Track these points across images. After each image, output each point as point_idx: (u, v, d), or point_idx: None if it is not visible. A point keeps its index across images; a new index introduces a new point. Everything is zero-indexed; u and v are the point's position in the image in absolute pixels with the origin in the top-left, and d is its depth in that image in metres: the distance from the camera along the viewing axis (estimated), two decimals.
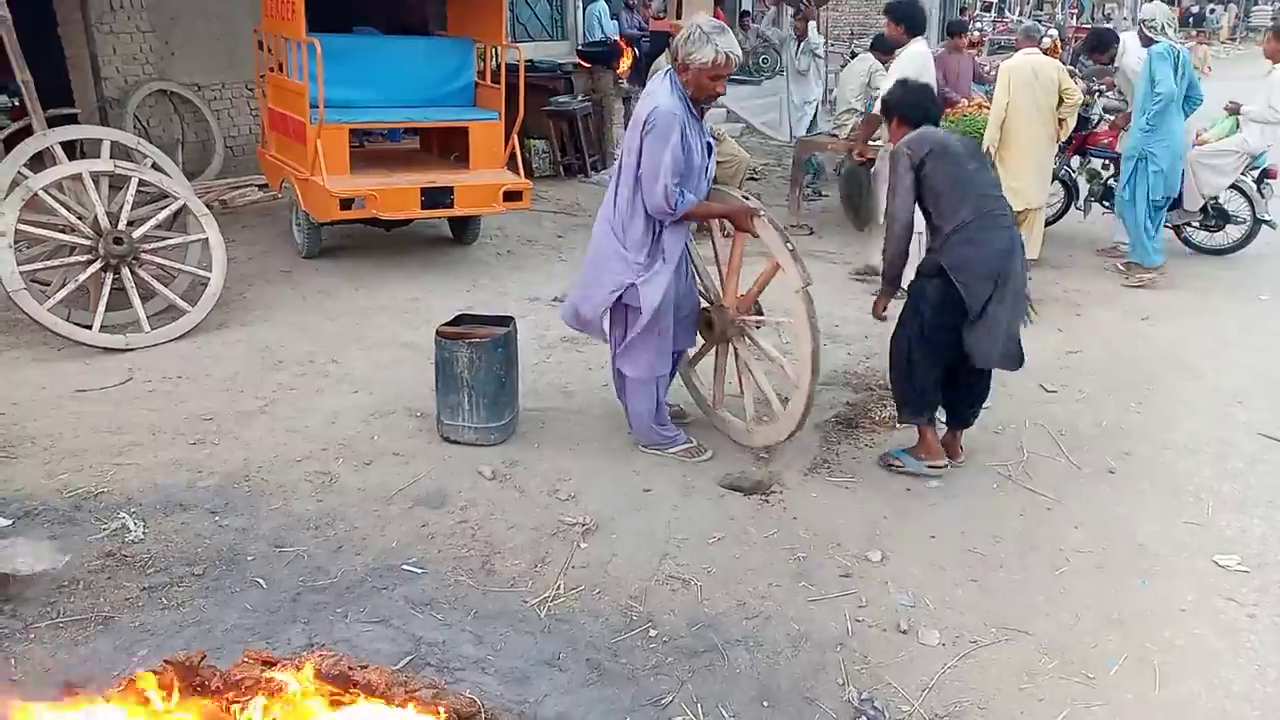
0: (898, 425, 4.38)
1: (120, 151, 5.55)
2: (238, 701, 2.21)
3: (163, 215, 5.41)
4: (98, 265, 5.16)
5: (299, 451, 4.10)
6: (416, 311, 5.92)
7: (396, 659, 2.83)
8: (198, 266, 5.57)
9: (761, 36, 13.02)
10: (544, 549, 3.47)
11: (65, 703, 2.18)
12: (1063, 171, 7.91)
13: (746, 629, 3.08)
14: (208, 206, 5.83)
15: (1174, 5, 30.52)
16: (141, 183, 5.34)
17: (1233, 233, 7.54)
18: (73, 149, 5.74)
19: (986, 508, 3.88)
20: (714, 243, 4.31)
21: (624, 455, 4.18)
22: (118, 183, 5.37)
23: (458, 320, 4.43)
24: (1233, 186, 7.30)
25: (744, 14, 16.68)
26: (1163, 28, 6.65)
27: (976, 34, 17.19)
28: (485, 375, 4.10)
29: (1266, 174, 7.31)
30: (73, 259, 5.23)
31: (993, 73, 8.59)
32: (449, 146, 7.41)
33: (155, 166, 5.57)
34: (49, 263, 5.28)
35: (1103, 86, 8.57)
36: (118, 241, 5.17)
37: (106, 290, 5.15)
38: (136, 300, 5.20)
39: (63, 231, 5.18)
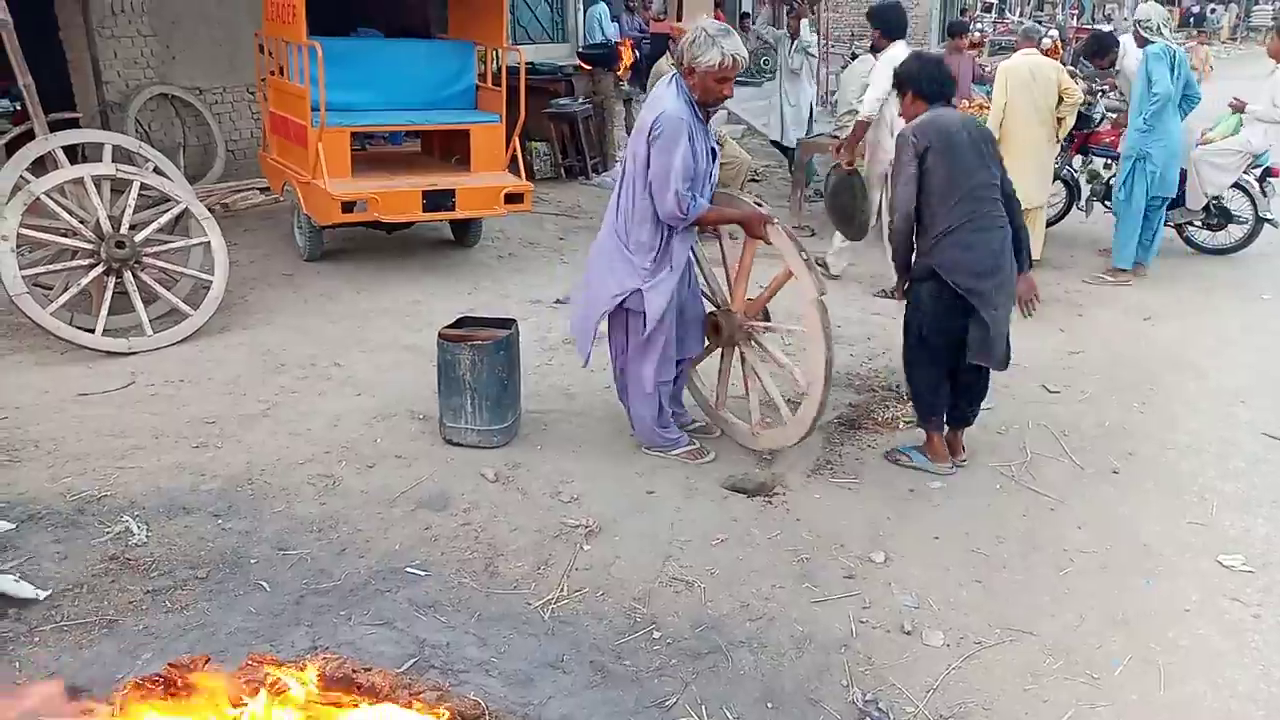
0: (902, 426, 4.38)
1: (122, 155, 5.55)
2: (242, 704, 2.21)
3: (165, 219, 5.42)
4: (100, 269, 5.17)
5: (301, 454, 4.10)
6: (418, 314, 5.93)
7: (400, 661, 2.83)
8: (200, 270, 5.58)
9: (759, 37, 13.00)
10: (547, 551, 3.47)
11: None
12: (1065, 171, 7.91)
13: (750, 630, 3.08)
14: (209, 210, 5.84)
15: (1175, 5, 30.55)
16: (143, 186, 5.35)
17: (1235, 232, 7.54)
18: (74, 153, 5.75)
19: (990, 508, 3.88)
20: (722, 246, 4.29)
21: (626, 457, 4.18)
22: (119, 187, 5.37)
23: (460, 323, 4.43)
24: (1235, 185, 7.30)
25: (744, 15, 16.71)
26: (1158, 28, 6.65)
27: (977, 35, 17.20)
28: (487, 378, 4.10)
29: (1269, 173, 7.31)
30: (75, 263, 5.23)
31: (993, 73, 8.57)
32: (450, 149, 7.41)
33: (157, 170, 5.58)
34: (51, 267, 5.28)
35: (1104, 87, 8.57)
36: (120, 245, 5.18)
37: (109, 294, 5.16)
38: (139, 304, 5.21)
39: (65, 236, 5.19)
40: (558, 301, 6.22)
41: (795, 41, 9.53)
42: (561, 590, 3.24)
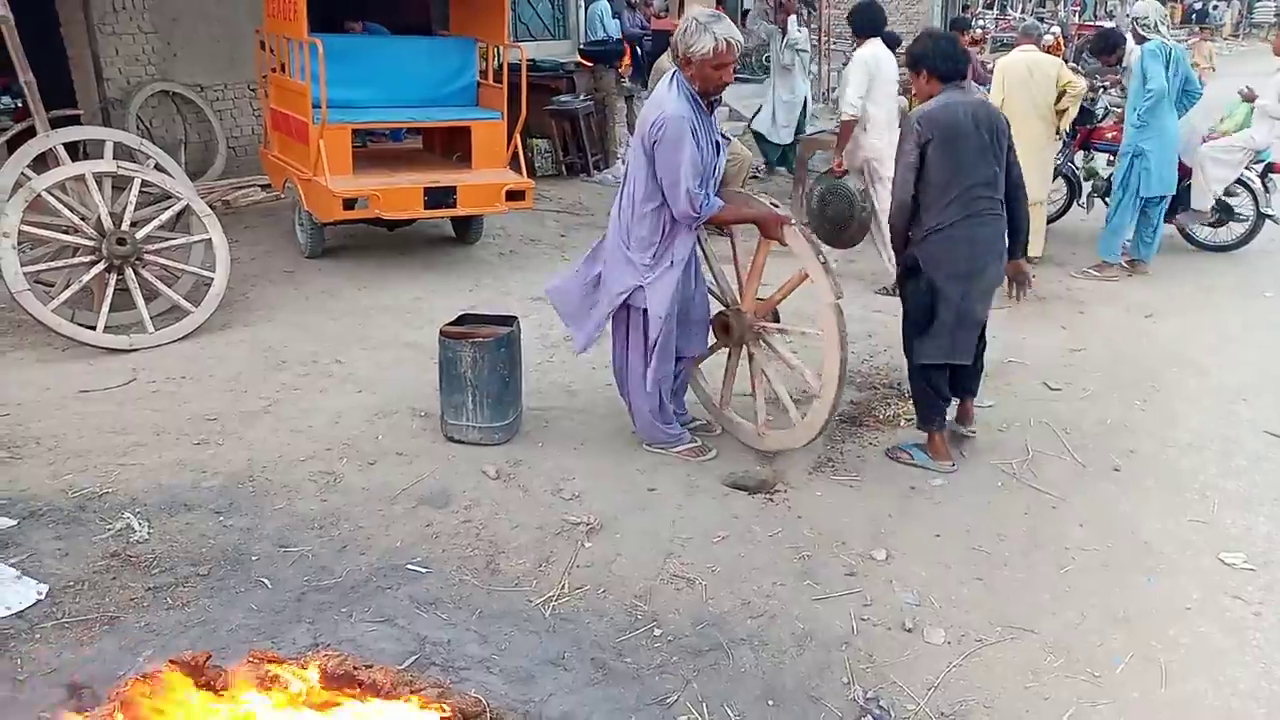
0: (903, 423, 4.38)
1: (123, 152, 5.55)
2: (243, 701, 2.22)
3: (166, 216, 5.41)
4: (101, 266, 5.17)
5: (303, 451, 4.10)
6: (419, 311, 5.93)
7: (401, 658, 2.83)
8: (201, 267, 5.58)
9: (753, 31, 12.93)
10: (548, 548, 3.47)
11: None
12: (1066, 168, 7.89)
13: (751, 628, 3.08)
14: (210, 207, 5.84)
15: (1177, 2, 30.44)
16: (144, 183, 5.34)
17: (1236, 229, 7.53)
18: (76, 150, 5.75)
19: (991, 506, 3.88)
20: (733, 245, 4.27)
21: (628, 454, 4.18)
22: (121, 183, 5.37)
23: (461, 320, 4.44)
24: (1236, 181, 7.29)
25: (745, 13, 16.65)
26: (1156, 25, 6.64)
27: (979, 32, 17.15)
28: (489, 375, 4.10)
29: (1270, 168, 7.30)
30: (76, 260, 5.23)
31: (992, 72, 8.56)
32: (451, 146, 7.41)
33: (158, 167, 5.58)
34: (53, 264, 5.29)
35: (1106, 83, 8.55)
36: (121, 242, 5.18)
37: (110, 291, 5.16)
38: (140, 301, 5.21)
39: (66, 232, 5.19)
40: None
41: (785, 37, 9.49)
42: (562, 587, 3.24)
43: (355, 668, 2.36)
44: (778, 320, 4.15)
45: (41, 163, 5.20)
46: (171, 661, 2.28)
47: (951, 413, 4.29)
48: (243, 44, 8.80)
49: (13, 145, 6.74)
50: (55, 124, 5.41)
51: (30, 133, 5.36)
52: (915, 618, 3.15)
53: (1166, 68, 6.49)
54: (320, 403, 4.60)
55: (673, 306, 3.87)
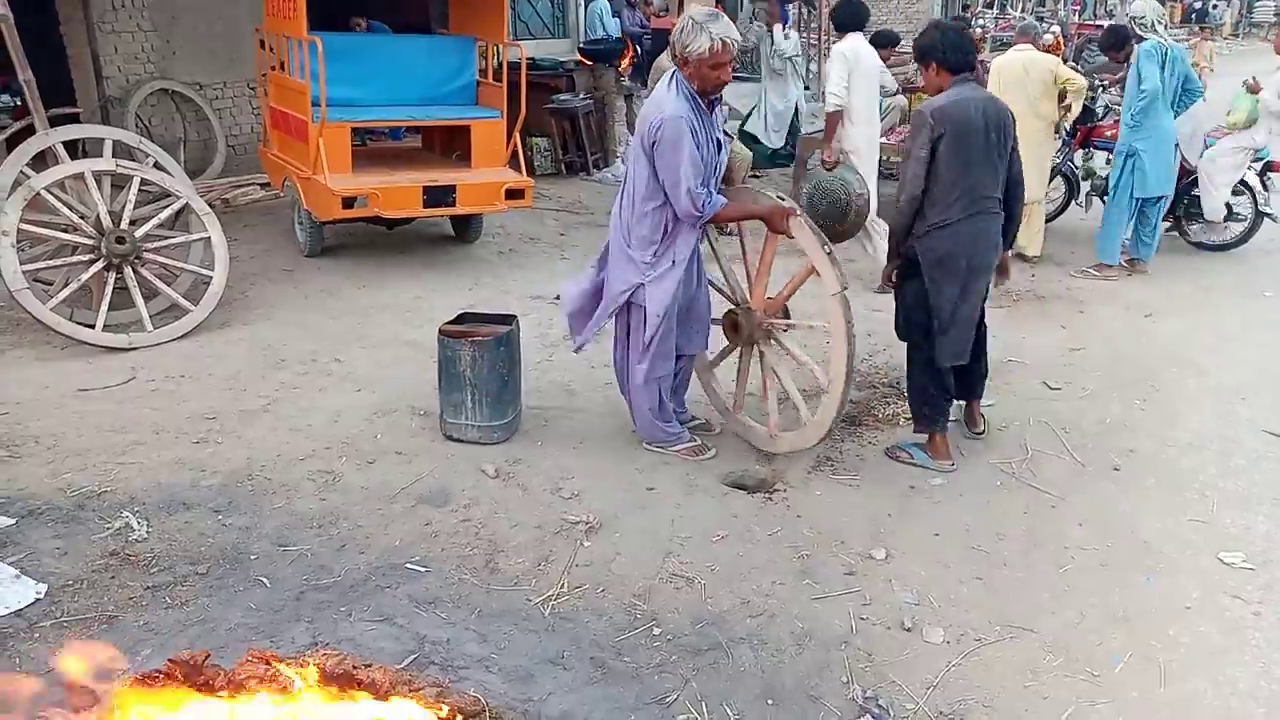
0: (903, 422, 4.38)
1: (122, 150, 5.55)
2: (242, 701, 2.21)
3: (165, 214, 5.41)
4: (100, 264, 5.16)
5: (302, 450, 4.10)
6: (419, 310, 5.92)
7: (400, 658, 2.83)
8: (200, 265, 5.57)
9: (746, 36, 12.87)
10: (547, 547, 3.47)
11: None
12: (1065, 167, 7.89)
13: (750, 627, 3.08)
14: (210, 205, 5.83)
15: (1178, 1, 30.41)
16: (144, 182, 5.34)
17: (1235, 228, 7.53)
18: (75, 148, 5.74)
19: (990, 505, 3.88)
20: (742, 242, 4.26)
21: (627, 453, 4.18)
22: (120, 182, 5.37)
23: (460, 319, 4.43)
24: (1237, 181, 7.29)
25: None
26: (1153, 25, 6.64)
27: (979, 31, 17.13)
28: (488, 373, 4.10)
29: (1270, 167, 7.30)
30: (75, 258, 5.23)
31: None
32: (451, 145, 7.40)
33: (157, 165, 5.57)
34: (51, 262, 5.28)
35: (1104, 81, 8.55)
36: (120, 241, 5.17)
37: (109, 289, 5.15)
38: (139, 299, 5.20)
39: (65, 231, 5.18)
40: (558, 298, 6.21)
41: (774, 44, 9.47)
42: (562, 586, 3.24)
43: (354, 667, 2.35)
44: (788, 317, 4.15)
45: (40, 161, 5.20)
46: (170, 660, 2.28)
47: (955, 413, 4.29)
48: (242, 42, 8.80)
49: (12, 143, 6.75)
50: (54, 122, 5.40)
51: (29, 131, 5.35)
52: (914, 617, 3.15)
53: (1162, 68, 6.49)
54: (319, 401, 4.60)
55: (673, 305, 3.87)
